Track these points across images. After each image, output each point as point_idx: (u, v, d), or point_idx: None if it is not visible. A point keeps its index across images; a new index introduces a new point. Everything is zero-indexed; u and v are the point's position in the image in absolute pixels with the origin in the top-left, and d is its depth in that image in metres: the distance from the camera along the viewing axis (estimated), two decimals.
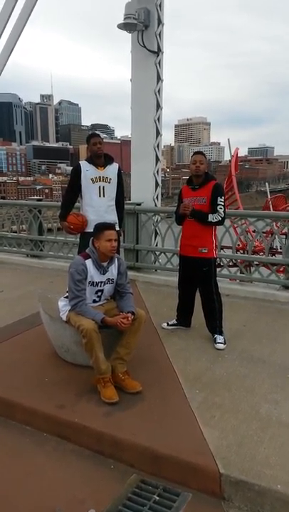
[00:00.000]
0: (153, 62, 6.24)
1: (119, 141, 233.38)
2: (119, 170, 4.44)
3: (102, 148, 4.26)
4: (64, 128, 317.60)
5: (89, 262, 3.15)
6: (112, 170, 4.34)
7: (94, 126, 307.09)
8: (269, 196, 16.19)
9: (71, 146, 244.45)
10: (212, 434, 2.62)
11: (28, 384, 3.24)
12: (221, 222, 3.92)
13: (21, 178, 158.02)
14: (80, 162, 4.40)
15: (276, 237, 6.27)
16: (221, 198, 3.87)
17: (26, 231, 7.65)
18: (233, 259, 6.66)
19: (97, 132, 5.17)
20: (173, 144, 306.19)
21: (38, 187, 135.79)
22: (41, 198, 8.87)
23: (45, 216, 7.56)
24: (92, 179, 4.24)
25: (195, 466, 2.40)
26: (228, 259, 6.39)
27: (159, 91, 6.39)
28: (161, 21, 6.28)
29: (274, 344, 3.99)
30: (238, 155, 16.44)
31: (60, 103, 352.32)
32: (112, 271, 3.27)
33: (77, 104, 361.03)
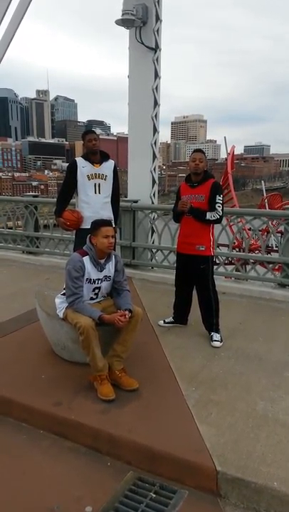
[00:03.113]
0: (151, 58, 6.21)
1: (116, 138, 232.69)
2: (115, 167, 4.44)
3: (97, 144, 4.25)
4: (60, 124, 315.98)
5: (86, 259, 3.14)
6: (107, 167, 4.34)
7: (90, 123, 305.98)
8: (265, 194, 16.20)
9: (67, 142, 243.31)
10: (209, 432, 2.62)
11: (25, 381, 3.23)
12: (218, 221, 3.93)
13: (16, 174, 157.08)
14: (76, 159, 4.39)
15: (272, 235, 6.29)
16: (219, 196, 3.88)
17: (22, 227, 7.62)
18: (228, 257, 6.67)
19: (92, 129, 5.16)
20: (169, 142, 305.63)
21: (34, 183, 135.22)
22: (37, 194, 8.83)
23: (41, 212, 7.53)
24: (87, 176, 4.24)
25: (192, 463, 2.40)
26: (224, 257, 6.40)
27: (156, 88, 6.37)
28: (159, 18, 6.25)
29: (270, 342, 4.00)
30: (235, 153, 16.43)
31: (56, 99, 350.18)
32: (109, 268, 3.26)
33: (74, 100, 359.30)
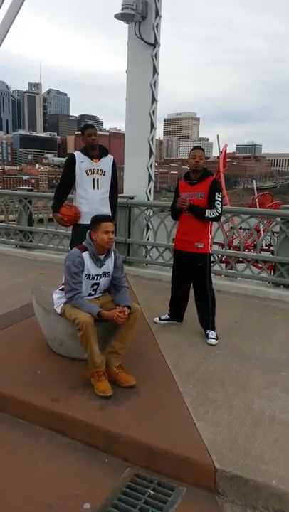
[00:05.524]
0: (149, 54, 6.19)
1: (108, 133, 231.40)
2: (114, 162, 4.38)
3: (96, 139, 4.21)
4: (52, 118, 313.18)
5: (86, 255, 3.12)
6: (106, 162, 4.29)
7: (82, 117, 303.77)
8: (256, 194, 16.27)
9: (59, 137, 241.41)
10: (206, 429, 2.63)
11: (21, 377, 3.20)
12: (217, 218, 3.94)
13: (7, 167, 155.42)
14: (75, 153, 4.33)
15: (264, 234, 6.33)
16: (218, 193, 3.88)
17: (16, 221, 7.54)
18: (221, 256, 6.69)
19: (91, 124, 5.10)
20: (162, 139, 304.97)
21: (24, 177, 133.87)
22: (32, 188, 8.74)
23: (35, 206, 7.46)
24: (86, 171, 4.18)
25: (190, 460, 2.41)
26: (218, 255, 6.42)
27: (154, 84, 6.36)
28: (159, 13, 6.22)
29: (265, 341, 4.03)
30: (227, 152, 16.43)
31: (48, 92, 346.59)
32: (109, 264, 3.25)
33: (66, 94, 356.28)
